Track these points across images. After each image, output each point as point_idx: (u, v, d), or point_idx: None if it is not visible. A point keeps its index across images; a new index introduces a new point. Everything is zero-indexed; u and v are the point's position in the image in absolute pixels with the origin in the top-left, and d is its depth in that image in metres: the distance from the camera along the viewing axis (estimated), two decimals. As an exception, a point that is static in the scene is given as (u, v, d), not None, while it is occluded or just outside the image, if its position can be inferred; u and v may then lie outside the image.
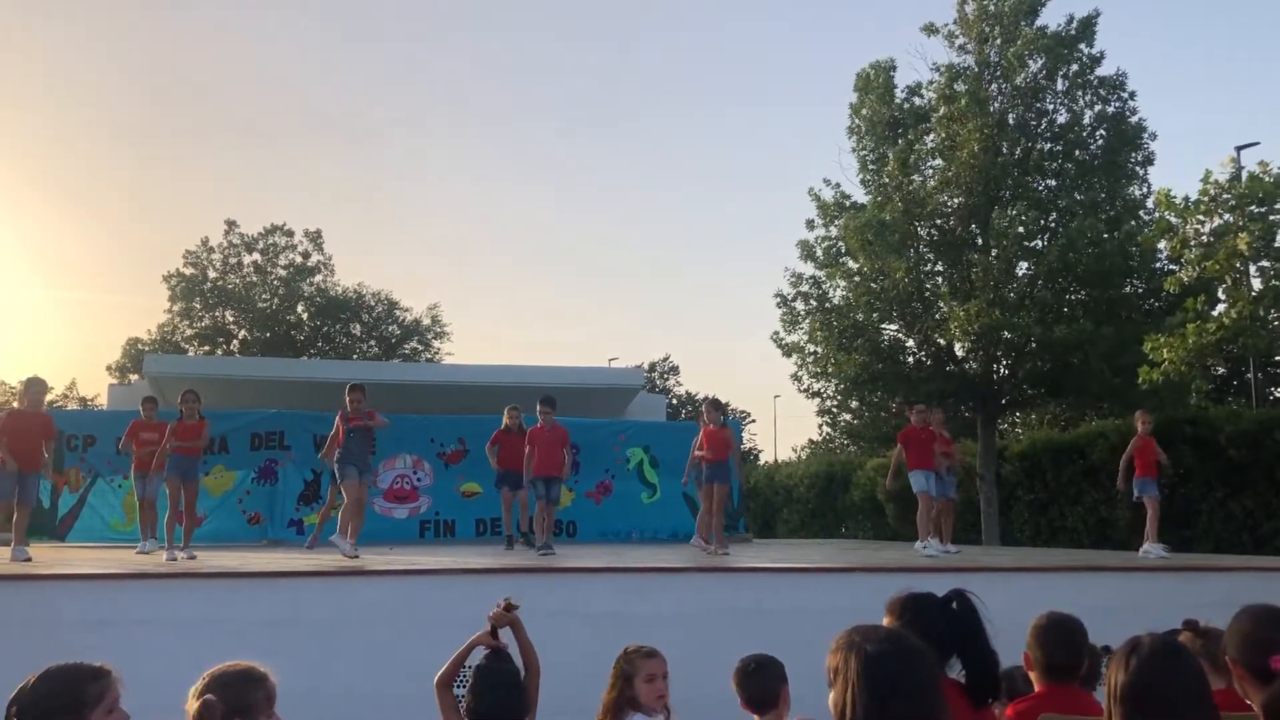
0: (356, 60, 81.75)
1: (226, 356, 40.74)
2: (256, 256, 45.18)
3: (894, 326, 20.67)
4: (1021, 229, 18.51)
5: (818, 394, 22.35)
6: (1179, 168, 65.31)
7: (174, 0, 75.51)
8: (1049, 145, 19.81)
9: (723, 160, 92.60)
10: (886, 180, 20.52)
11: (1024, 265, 19.25)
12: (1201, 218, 15.68)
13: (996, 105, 19.45)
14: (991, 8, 19.75)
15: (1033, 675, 3.37)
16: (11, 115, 74.38)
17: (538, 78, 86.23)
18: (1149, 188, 19.34)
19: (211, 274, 44.72)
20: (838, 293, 20.93)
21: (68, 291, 79.23)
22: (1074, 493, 18.57)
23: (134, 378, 34.29)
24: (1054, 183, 19.76)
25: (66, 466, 14.47)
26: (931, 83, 20.54)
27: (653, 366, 54.50)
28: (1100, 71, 19.47)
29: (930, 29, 20.40)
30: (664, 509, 15.93)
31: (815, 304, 20.89)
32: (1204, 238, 15.74)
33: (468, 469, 15.27)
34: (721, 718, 4.20)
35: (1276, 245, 15.27)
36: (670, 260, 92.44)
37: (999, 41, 19.68)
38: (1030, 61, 19.25)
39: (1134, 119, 19.42)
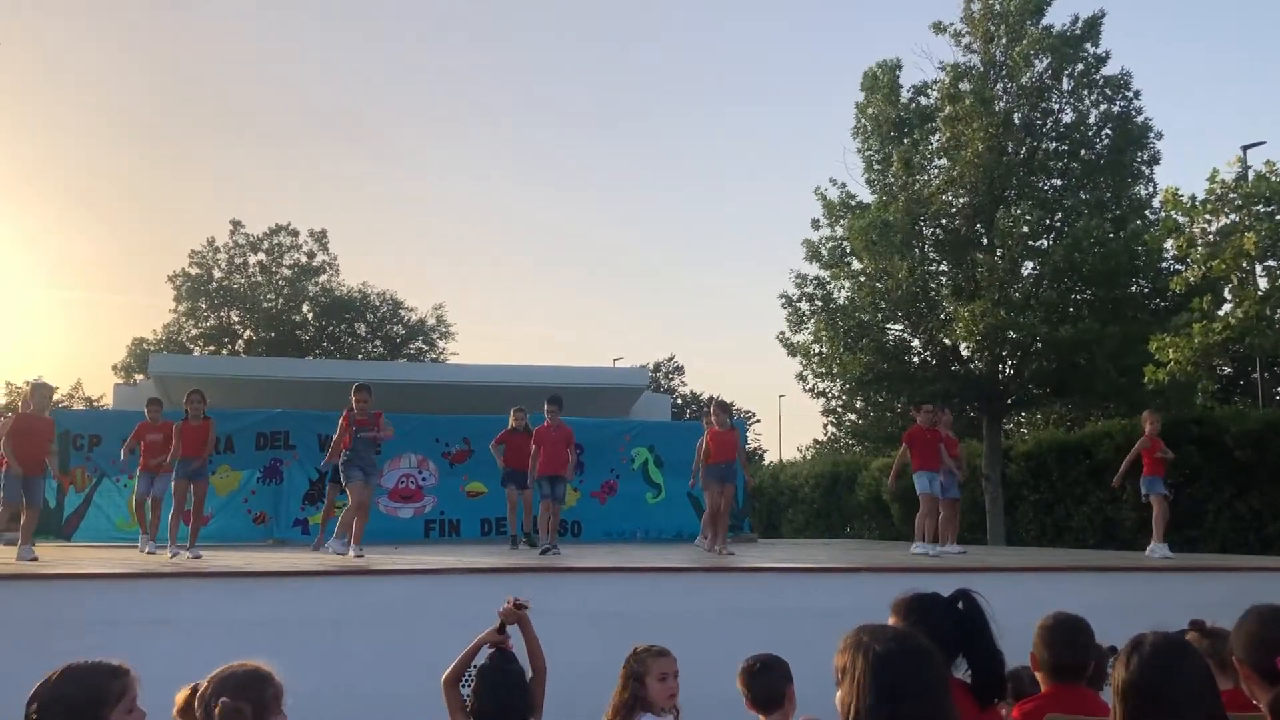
0: (361, 60, 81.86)
1: (231, 356, 40.80)
2: (262, 256, 45.25)
3: (899, 326, 20.66)
4: (1026, 228, 18.48)
5: (823, 394, 22.34)
6: (1185, 167, 65.14)
7: (179, 2, 75.65)
8: (1054, 145, 19.77)
9: (727, 160, 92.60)
10: (891, 180, 20.51)
11: (1029, 265, 19.22)
12: (1208, 217, 15.64)
13: (1002, 105, 19.42)
14: (997, 7, 19.72)
15: (1039, 676, 3.36)
16: (17, 115, 74.54)
17: (542, 78, 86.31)
18: (1155, 187, 19.32)
19: (217, 274, 44.79)
20: (843, 293, 20.92)
21: (73, 291, 79.39)
22: (1079, 493, 18.53)
23: (139, 378, 34.39)
24: (1059, 182, 19.73)
25: (72, 466, 14.51)
26: (936, 82, 20.53)
27: (657, 366, 54.47)
28: (1106, 71, 19.44)
29: (939, 27, 20.40)
30: (669, 509, 15.94)
31: (820, 304, 20.88)
32: (1210, 237, 15.70)
33: (473, 469, 15.29)
34: (727, 718, 4.20)
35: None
36: (675, 260, 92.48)
37: (1004, 41, 19.66)
38: (1036, 61, 19.22)
39: (1139, 118, 19.38)
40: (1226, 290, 16.37)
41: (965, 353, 20.04)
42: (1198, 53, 75.39)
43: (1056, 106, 19.70)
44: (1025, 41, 19.05)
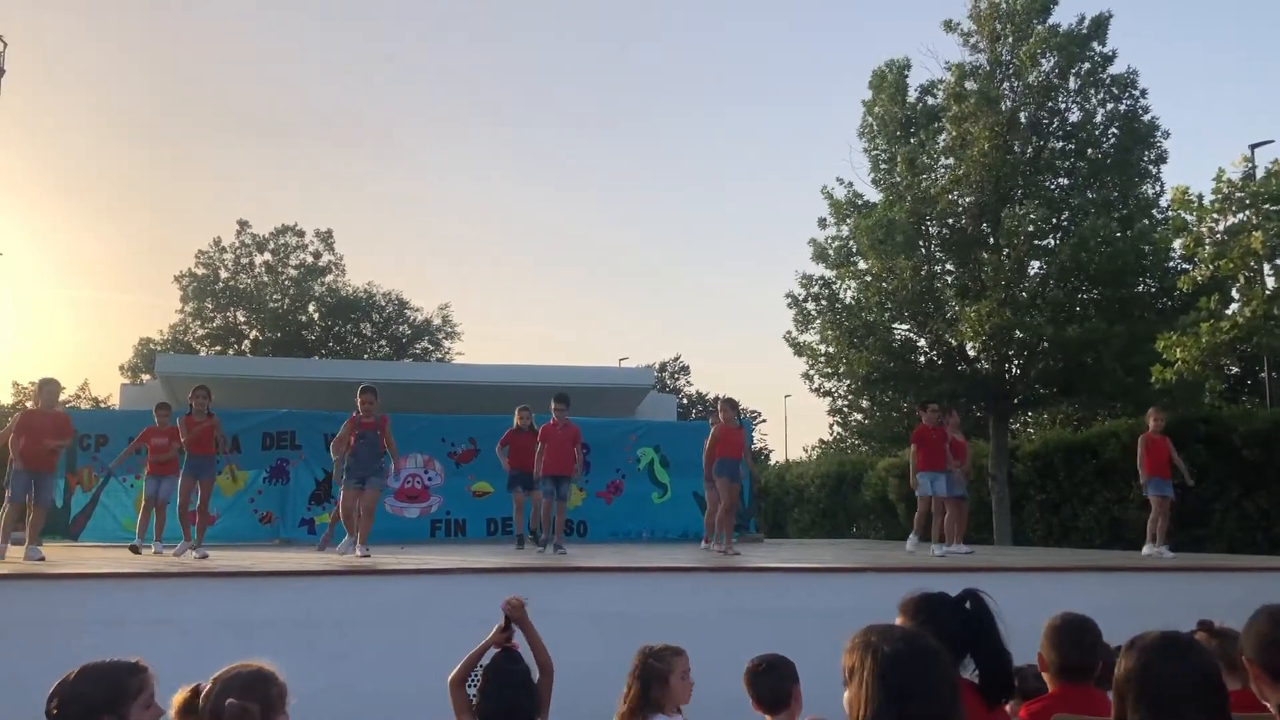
0: (365, 62, 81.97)
1: (238, 356, 40.86)
2: (268, 256, 45.33)
3: (905, 326, 20.62)
4: (1032, 227, 18.44)
5: (829, 393, 22.32)
6: (1193, 166, 65.06)
7: (189, 2, 75.81)
8: (1061, 144, 19.73)
9: (729, 160, 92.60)
10: (897, 180, 20.49)
11: (1035, 264, 19.18)
12: (1216, 216, 15.59)
13: (1008, 104, 19.38)
14: (1004, 6, 19.69)
15: (1046, 676, 3.35)
16: (25, 114, 74.75)
17: (543, 78, 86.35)
18: (1162, 186, 19.28)
19: (223, 274, 44.87)
20: (849, 293, 20.89)
21: (80, 291, 79.66)
22: (1086, 492, 18.49)
23: (146, 378, 34.45)
24: (1066, 181, 19.68)
25: (79, 466, 14.54)
26: (941, 81, 20.51)
27: (663, 366, 54.47)
28: (1112, 70, 19.39)
29: (950, 26, 20.37)
30: (674, 509, 15.93)
31: (826, 304, 20.86)
32: (1218, 236, 15.65)
33: (479, 468, 15.29)
34: (733, 718, 4.19)
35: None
36: (679, 260, 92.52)
37: (1011, 40, 19.63)
38: (1042, 60, 19.17)
39: (1146, 117, 19.33)
40: (1234, 289, 16.32)
41: (971, 352, 20.00)
42: (1204, 52, 75.24)
43: (1063, 105, 19.66)
44: (1032, 40, 19.01)
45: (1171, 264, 18.46)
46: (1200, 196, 15.80)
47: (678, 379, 55.65)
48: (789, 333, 21.37)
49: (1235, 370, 25.04)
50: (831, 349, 20.57)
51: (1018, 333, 18.53)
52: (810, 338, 21.11)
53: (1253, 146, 19.88)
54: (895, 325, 20.54)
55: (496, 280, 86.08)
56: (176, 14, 76.45)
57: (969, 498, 13.42)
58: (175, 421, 11.19)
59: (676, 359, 56.51)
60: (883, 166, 21.19)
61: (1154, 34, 68.50)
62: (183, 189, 78.18)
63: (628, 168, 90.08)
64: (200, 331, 44.22)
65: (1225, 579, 9.14)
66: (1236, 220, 15.52)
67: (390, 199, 79.61)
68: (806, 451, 52.15)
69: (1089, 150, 19.45)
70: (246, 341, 44.49)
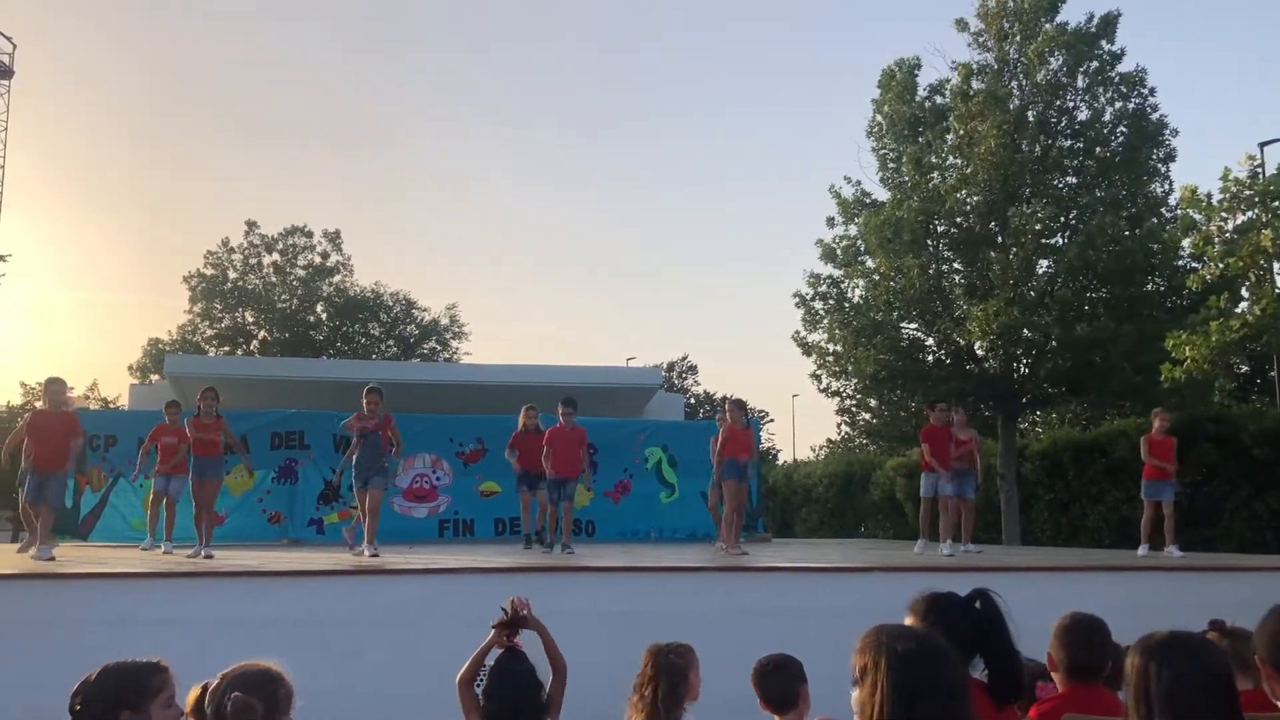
0: (373, 63, 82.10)
1: (246, 357, 40.93)
2: (276, 257, 45.38)
3: (913, 325, 20.60)
4: (1040, 226, 18.39)
5: (837, 393, 22.28)
6: (1201, 164, 64.78)
7: (196, 4, 76.01)
8: (1069, 142, 19.68)
9: (740, 159, 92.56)
10: (905, 179, 20.46)
11: (1044, 263, 19.13)
12: (1225, 214, 15.53)
13: (1016, 102, 19.34)
14: (1011, 4, 19.65)
15: (1056, 676, 3.34)
16: (35, 117, 74.99)
17: (556, 79, 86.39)
18: (1171, 185, 19.22)
19: (232, 274, 44.94)
20: (856, 292, 20.87)
21: (89, 292, 79.87)
22: (1095, 492, 18.44)
23: (155, 378, 34.56)
24: (1074, 180, 19.63)
25: (89, 466, 14.56)
26: (949, 81, 20.49)
27: (671, 366, 54.45)
28: (1121, 68, 19.34)
29: (962, 25, 20.34)
30: (682, 508, 15.90)
31: (834, 303, 20.83)
32: (1228, 234, 15.58)
33: (486, 468, 15.28)
34: (741, 718, 4.18)
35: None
36: (687, 259, 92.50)
37: (1018, 39, 19.59)
38: (1050, 59, 19.13)
39: (1155, 116, 19.27)
40: (1244, 288, 16.26)
41: (979, 351, 19.96)
42: (1212, 50, 75.00)
43: (1071, 104, 19.61)
44: (1040, 39, 18.97)
45: (1180, 262, 18.40)
46: (1209, 196, 15.74)
47: (685, 379, 55.63)
48: (797, 333, 21.39)
49: (1245, 369, 24.92)
50: (839, 348, 20.55)
51: (1026, 332, 18.49)
52: (818, 337, 21.11)
53: (1261, 145, 19.81)
54: (903, 324, 20.51)
55: (503, 281, 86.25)
56: (184, 16, 76.69)
57: (975, 498, 13.34)
58: (184, 421, 11.23)
59: (684, 359, 56.51)
60: (890, 166, 21.18)
61: (1162, 32, 68.35)
62: (191, 190, 78.47)
63: (634, 168, 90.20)
64: (209, 332, 44.30)
65: (1235, 579, 9.11)
66: (1246, 219, 15.46)
67: (396, 199, 79.78)
68: (814, 451, 52.14)
69: (1097, 149, 19.40)
70: (255, 342, 44.56)
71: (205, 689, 2.93)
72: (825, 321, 20.86)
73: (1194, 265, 17.39)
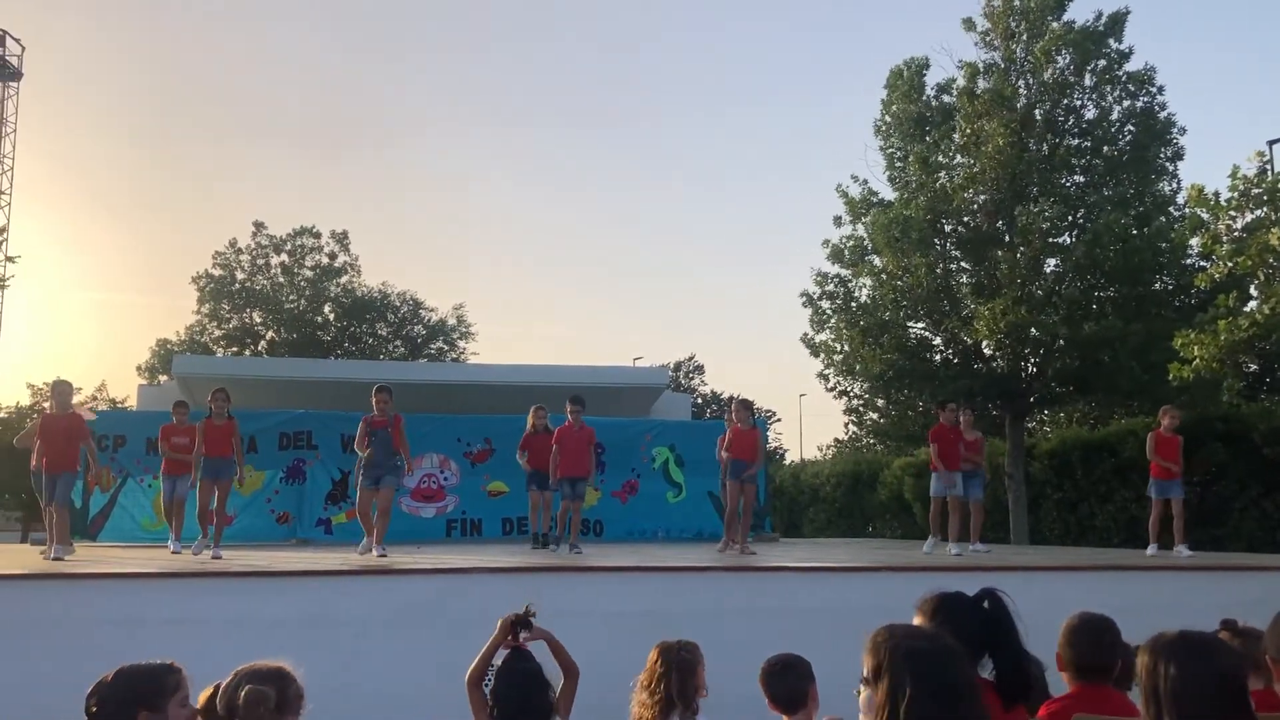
0: (378, 64, 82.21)
1: (254, 357, 40.99)
2: (284, 258, 45.43)
3: (920, 325, 20.56)
4: (1047, 225, 18.35)
5: (844, 392, 22.26)
6: (1209, 162, 64.67)
7: (203, 6, 76.19)
8: (1077, 141, 19.62)
9: (746, 159, 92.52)
10: (912, 178, 20.44)
11: (1051, 262, 19.08)
12: (1233, 213, 15.46)
13: (1023, 101, 19.29)
14: (1017, 3, 19.60)
15: (1065, 676, 3.33)
16: (44, 119, 75.26)
17: (563, 80, 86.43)
18: (1179, 183, 19.15)
19: (240, 275, 45.00)
20: (864, 291, 20.84)
21: (98, 293, 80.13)
22: (1104, 491, 18.39)
23: (163, 378, 34.60)
24: (1082, 179, 19.58)
25: (98, 466, 14.59)
26: (954, 80, 20.47)
27: (678, 366, 54.40)
28: (1129, 67, 19.28)
29: (969, 24, 20.30)
30: (689, 508, 15.91)
31: (841, 302, 20.81)
32: (1236, 233, 15.52)
33: (494, 468, 15.30)
34: (750, 718, 4.18)
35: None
36: (695, 259, 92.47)
37: (1025, 38, 19.54)
38: (1057, 57, 19.08)
39: (1163, 114, 19.21)
40: (1252, 286, 16.19)
41: (987, 350, 19.92)
42: (1220, 48, 74.75)
43: (1079, 103, 19.55)
44: (1047, 38, 18.92)
45: (1189, 261, 18.34)
46: (1216, 194, 15.68)
47: (692, 378, 55.58)
48: (806, 334, 21.37)
49: (1254, 368, 24.81)
50: (847, 347, 20.53)
51: (1033, 331, 18.44)
52: (826, 337, 21.09)
53: (1270, 143, 19.76)
54: (910, 324, 20.48)
55: (510, 281, 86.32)
56: (192, 18, 76.88)
57: (982, 498, 13.32)
58: (194, 421, 11.25)
59: (691, 358, 56.45)
60: (897, 165, 21.15)
61: (1170, 30, 68.15)
62: (199, 191, 78.65)
63: (639, 167, 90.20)
64: (217, 332, 44.36)
65: (1244, 578, 9.08)
66: (1254, 217, 15.39)
67: (403, 199, 79.90)
68: (821, 451, 52.07)
69: (1105, 147, 19.34)
70: (263, 342, 44.61)
71: (216, 690, 2.95)
72: (832, 321, 20.84)
73: (1202, 264, 17.33)
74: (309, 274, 45.35)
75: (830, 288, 21.01)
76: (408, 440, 10.54)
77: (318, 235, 45.60)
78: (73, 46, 76.92)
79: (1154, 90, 19.23)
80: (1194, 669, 2.36)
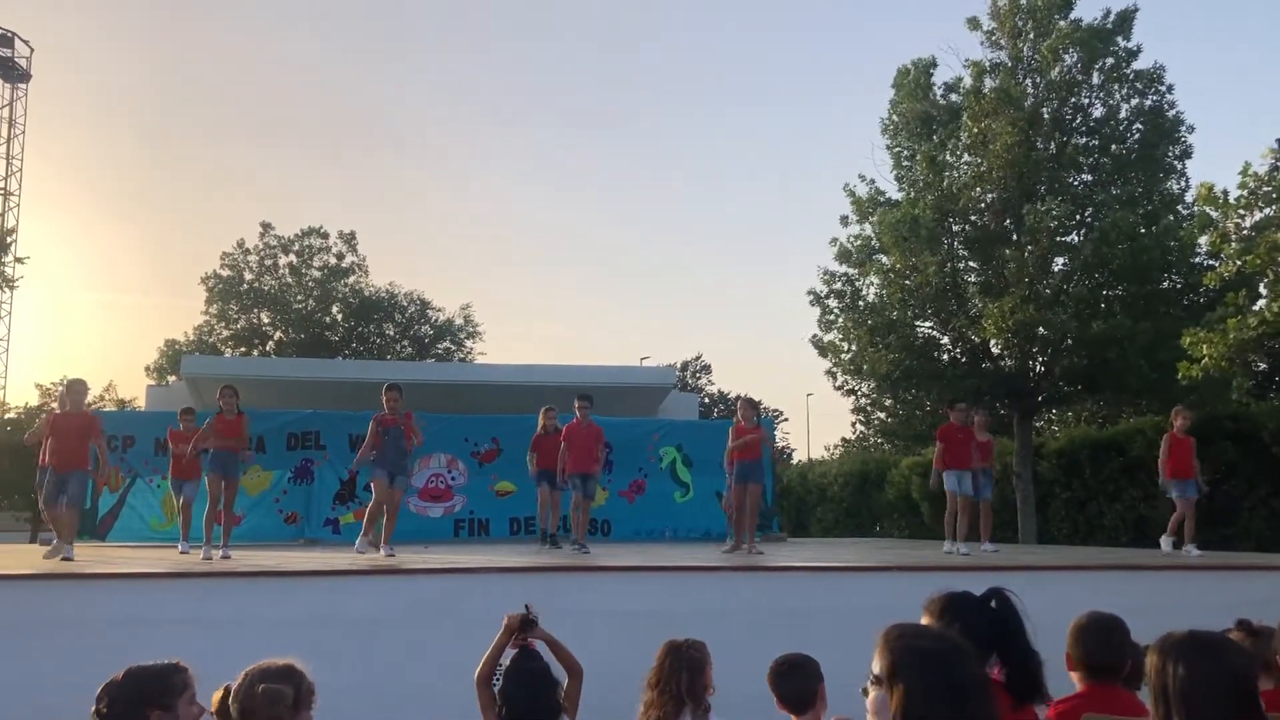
0: (388, 65, 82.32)
1: (262, 357, 41.04)
2: (292, 258, 45.48)
3: (928, 324, 20.53)
4: (1055, 223, 18.31)
5: (852, 391, 22.23)
6: (1217, 161, 64.43)
7: (211, 8, 76.36)
8: (1084, 139, 19.58)
9: (756, 159, 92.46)
10: (919, 177, 20.41)
11: (1059, 261, 19.04)
12: (1242, 212, 15.41)
13: (1031, 100, 19.25)
14: (1024, 2, 19.57)
15: (1074, 675, 3.32)
16: (52, 120, 75.47)
17: (569, 80, 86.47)
18: (1187, 182, 19.11)
19: (248, 276, 45.06)
20: (871, 290, 20.82)
21: (106, 294, 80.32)
22: (1112, 490, 18.35)
23: (171, 379, 34.70)
24: (1090, 177, 19.54)
25: (108, 467, 14.62)
26: (961, 79, 20.43)
27: (685, 365, 54.39)
28: (1137, 65, 19.22)
29: (974, 24, 20.27)
30: (697, 508, 15.90)
31: (849, 301, 20.79)
32: (1245, 231, 15.47)
33: (502, 468, 15.32)
34: (758, 718, 4.18)
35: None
36: (702, 259, 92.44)
37: (1032, 36, 19.50)
38: (1065, 55, 19.03)
39: (1171, 112, 19.15)
40: (1261, 285, 16.13)
41: (995, 349, 19.89)
42: (1228, 46, 74.49)
43: (1086, 101, 19.51)
44: (1054, 36, 18.88)
45: (1197, 259, 18.29)
46: (1225, 193, 15.63)
47: (699, 378, 55.57)
48: (815, 335, 21.35)
49: (1263, 367, 24.74)
50: (854, 346, 20.50)
51: (1041, 329, 18.40)
52: (834, 336, 21.07)
53: (1280, 140, 19.66)
54: (918, 323, 20.45)
55: (516, 280, 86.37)
56: (200, 18, 77.05)
57: (992, 498, 13.29)
58: (199, 427, 11.28)
59: (698, 358, 56.45)
60: (904, 164, 21.13)
61: (1178, 28, 67.93)
62: (207, 192, 78.81)
63: (645, 167, 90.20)
64: (225, 333, 44.41)
65: (1253, 578, 9.05)
66: (1263, 215, 15.34)
67: (410, 200, 80.00)
68: (829, 450, 52.03)
69: (1113, 146, 19.29)
70: (271, 343, 44.66)
71: (227, 691, 2.96)
72: (840, 320, 20.82)
73: (1211, 263, 17.27)
74: (317, 274, 45.38)
75: (838, 286, 20.99)
76: (419, 430, 10.61)
77: (325, 236, 45.65)
78: (80, 48, 77.19)
79: (1163, 89, 19.18)
80: (1203, 669, 2.35)
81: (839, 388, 21.94)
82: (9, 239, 32.47)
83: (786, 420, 54.48)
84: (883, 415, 24.59)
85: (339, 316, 45.58)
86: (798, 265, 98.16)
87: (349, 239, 45.77)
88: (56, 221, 78.59)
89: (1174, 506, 11.61)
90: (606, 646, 5.77)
